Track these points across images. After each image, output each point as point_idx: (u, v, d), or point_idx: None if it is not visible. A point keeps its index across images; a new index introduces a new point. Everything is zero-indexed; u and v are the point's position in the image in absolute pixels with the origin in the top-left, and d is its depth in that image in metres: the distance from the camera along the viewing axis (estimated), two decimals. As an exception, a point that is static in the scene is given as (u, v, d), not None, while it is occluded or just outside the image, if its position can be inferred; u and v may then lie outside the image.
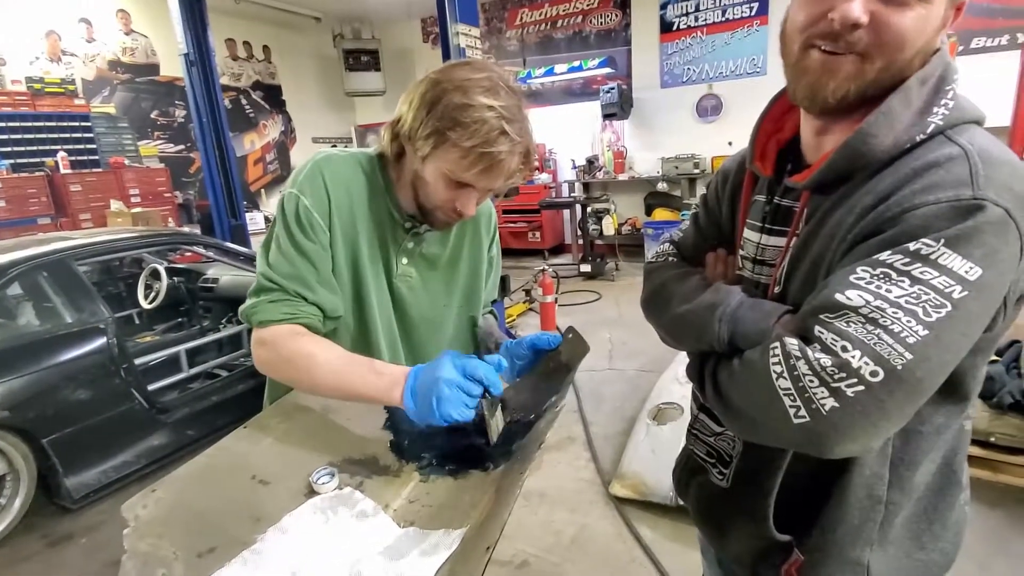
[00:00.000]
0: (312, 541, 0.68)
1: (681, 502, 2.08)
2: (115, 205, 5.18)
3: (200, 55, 4.49)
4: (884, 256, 0.56)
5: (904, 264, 0.55)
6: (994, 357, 2.37)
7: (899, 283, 0.54)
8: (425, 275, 1.05)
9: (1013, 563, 1.90)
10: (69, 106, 5.41)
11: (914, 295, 0.54)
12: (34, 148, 5.05)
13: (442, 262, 1.07)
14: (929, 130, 0.60)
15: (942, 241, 0.54)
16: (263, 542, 0.67)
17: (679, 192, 6.64)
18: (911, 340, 0.53)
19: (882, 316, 0.54)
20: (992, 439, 2.16)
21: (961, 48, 5.34)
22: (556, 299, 4.48)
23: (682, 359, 3.19)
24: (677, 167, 6.56)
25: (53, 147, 5.12)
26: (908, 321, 0.53)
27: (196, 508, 0.72)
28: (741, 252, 0.81)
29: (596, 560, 2.07)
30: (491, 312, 1.28)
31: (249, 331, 0.91)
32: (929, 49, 0.62)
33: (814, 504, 0.70)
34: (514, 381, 1.04)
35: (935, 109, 0.61)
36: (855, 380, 0.53)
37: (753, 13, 6.16)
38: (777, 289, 0.71)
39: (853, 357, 0.54)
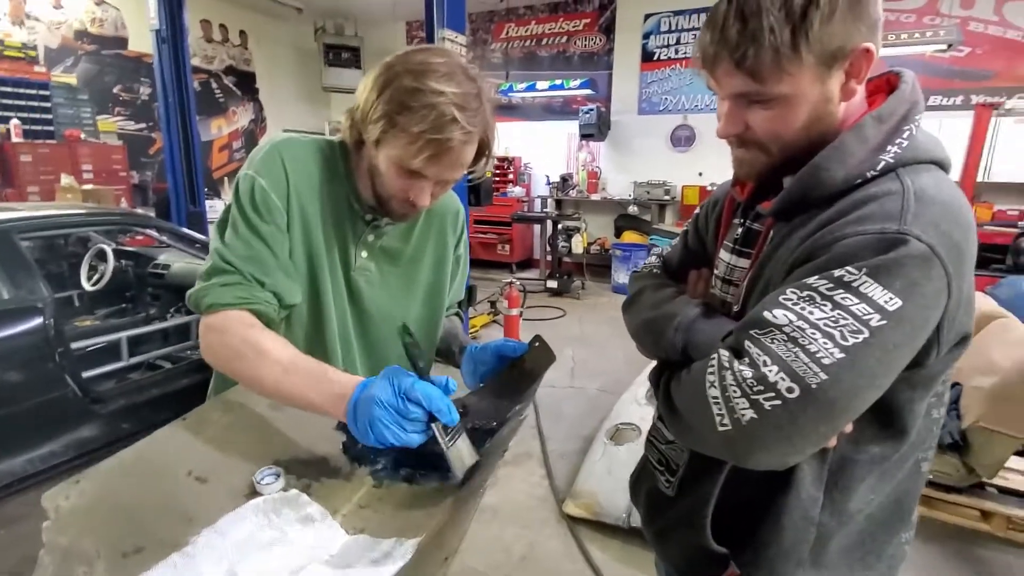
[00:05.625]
0: (251, 546, 0.62)
1: (634, 524, 2.11)
2: (65, 180, 4.90)
3: (172, 32, 4.33)
4: (811, 280, 0.59)
5: (828, 289, 0.57)
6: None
7: (821, 306, 0.57)
8: (385, 270, 1.01)
9: (945, 598, 1.96)
10: (28, 72, 5.14)
11: (833, 319, 0.56)
12: (-17, 113, 4.76)
13: (404, 258, 1.03)
14: (879, 167, 0.63)
15: (864, 270, 0.56)
16: (195, 545, 0.61)
17: (649, 217, 6.75)
18: (826, 361, 0.55)
19: (802, 336, 0.57)
20: (930, 477, 2.25)
21: (919, 106, 5.66)
22: (521, 313, 4.47)
23: (642, 381, 3.23)
24: (649, 192, 6.69)
25: (5, 113, 4.82)
26: (825, 343, 0.56)
27: (124, 503, 0.66)
28: (715, 271, 0.84)
29: (544, 579, 2.03)
30: (457, 314, 1.24)
31: (199, 322, 0.85)
32: (824, 117, 0.65)
33: (752, 521, 0.72)
34: (476, 387, 1.01)
35: (889, 147, 0.64)
36: (772, 394, 0.56)
37: (730, 51, 6.38)
38: (737, 308, 0.75)
39: (771, 371, 0.57)
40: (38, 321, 2.39)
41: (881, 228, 0.57)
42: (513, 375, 0.97)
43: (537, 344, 0.96)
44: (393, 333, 1.05)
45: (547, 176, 7.50)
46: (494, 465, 0.70)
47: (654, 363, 0.78)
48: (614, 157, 7.22)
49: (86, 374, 2.60)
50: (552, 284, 6.23)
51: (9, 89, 4.90)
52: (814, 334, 0.56)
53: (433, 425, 0.68)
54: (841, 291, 0.57)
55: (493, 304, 5.31)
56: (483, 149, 0.87)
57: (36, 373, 2.37)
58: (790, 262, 0.64)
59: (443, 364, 1.17)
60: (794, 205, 0.68)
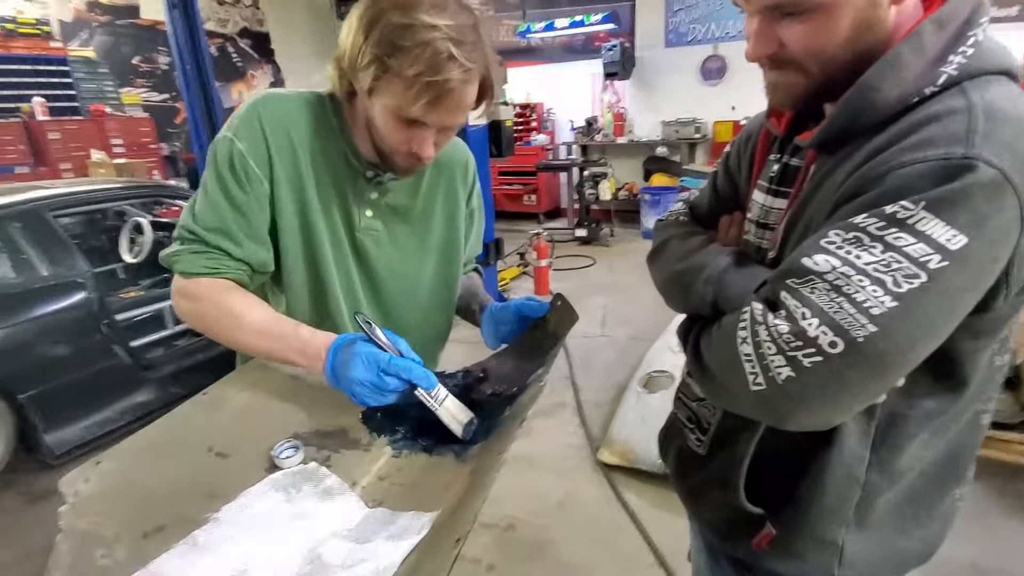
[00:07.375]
0: (270, 521, 0.62)
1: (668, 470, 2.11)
2: (97, 155, 4.99)
3: (182, -4, 4.23)
4: (859, 219, 0.51)
5: (878, 228, 0.50)
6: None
7: (870, 249, 0.50)
8: (394, 228, 0.96)
9: (988, 535, 1.91)
10: (45, 49, 5.14)
11: (884, 263, 0.50)
12: (7, 92, 4.82)
13: (414, 214, 0.98)
14: (940, 81, 0.54)
15: (922, 204, 0.49)
16: (215, 522, 0.61)
17: (679, 157, 6.48)
18: (876, 311, 0.49)
19: (847, 283, 0.50)
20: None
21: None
22: (550, 263, 4.42)
23: (674, 328, 3.16)
24: (678, 131, 6.39)
25: (27, 92, 4.89)
26: (874, 290, 0.49)
27: (144, 483, 0.67)
28: (748, 214, 0.76)
29: (582, 524, 2.07)
30: (476, 270, 1.20)
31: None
32: (874, 24, 0.55)
33: (791, 479, 0.68)
34: (498, 349, 0.98)
35: (951, 57, 0.54)
36: (812, 350, 0.51)
37: (765, -32, 5.87)
38: (772, 254, 0.67)
39: (810, 325, 0.51)
40: (81, 295, 2.49)
41: (945, 153, 0.49)
42: (536, 336, 0.93)
43: (559, 303, 0.91)
44: (408, 293, 1.02)
45: (571, 121, 7.23)
46: (511, 436, 0.67)
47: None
48: (640, 96, 6.88)
49: (135, 343, 2.72)
50: (581, 233, 6.12)
51: (29, 67, 4.94)
52: (861, 281, 0.50)
53: (417, 392, 0.72)
54: (894, 229, 0.49)
55: (522, 256, 5.26)
56: (485, 88, 0.79)
57: (85, 345, 2.49)
58: (835, 199, 0.56)
59: (464, 323, 1.14)
60: (840, 134, 0.59)
